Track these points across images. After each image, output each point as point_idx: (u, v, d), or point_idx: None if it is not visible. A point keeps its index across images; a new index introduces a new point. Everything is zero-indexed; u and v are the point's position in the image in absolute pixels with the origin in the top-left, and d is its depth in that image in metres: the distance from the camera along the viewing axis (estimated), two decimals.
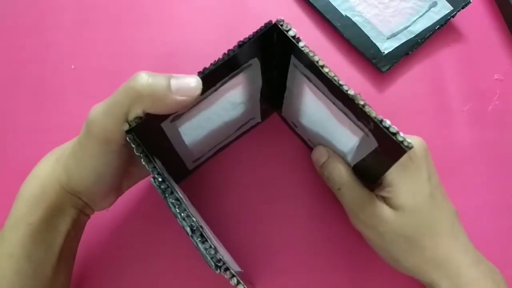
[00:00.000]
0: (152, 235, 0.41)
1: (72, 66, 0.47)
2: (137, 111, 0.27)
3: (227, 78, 0.31)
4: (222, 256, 0.25)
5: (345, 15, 0.47)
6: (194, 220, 0.25)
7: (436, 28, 0.46)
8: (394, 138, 0.26)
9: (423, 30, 0.46)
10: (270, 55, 0.33)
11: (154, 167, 0.27)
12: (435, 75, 0.47)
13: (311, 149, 0.42)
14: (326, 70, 0.28)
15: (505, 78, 0.47)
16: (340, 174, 0.36)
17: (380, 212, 0.34)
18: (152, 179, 0.26)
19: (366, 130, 0.29)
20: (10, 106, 0.46)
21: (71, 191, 0.32)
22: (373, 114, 0.27)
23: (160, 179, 0.26)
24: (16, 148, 0.44)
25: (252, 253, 0.41)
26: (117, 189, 0.35)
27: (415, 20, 0.47)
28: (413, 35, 0.46)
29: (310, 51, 0.29)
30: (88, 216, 0.36)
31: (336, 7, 0.47)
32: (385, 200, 0.34)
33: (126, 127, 0.27)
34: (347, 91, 0.28)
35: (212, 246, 0.25)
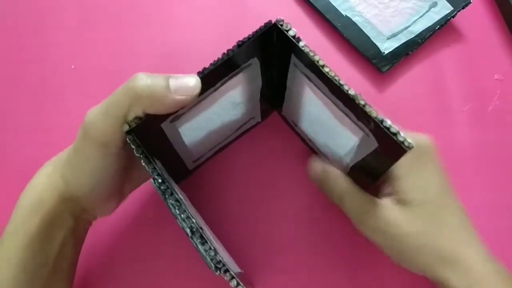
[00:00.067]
0: (152, 236, 0.41)
1: (72, 66, 0.47)
2: (136, 112, 0.27)
3: (226, 78, 0.31)
4: (222, 258, 0.25)
5: (345, 15, 0.47)
6: (194, 221, 0.25)
7: (436, 28, 0.46)
8: (395, 138, 0.26)
9: (423, 30, 0.46)
10: (270, 54, 0.33)
11: (154, 168, 0.26)
12: (435, 75, 0.47)
13: (311, 148, 0.42)
14: (326, 69, 0.28)
15: (505, 78, 0.47)
16: (340, 184, 0.36)
17: (386, 214, 0.33)
18: (152, 180, 0.26)
19: (367, 130, 0.29)
20: (10, 106, 0.46)
21: (69, 198, 0.31)
22: (373, 114, 0.27)
23: (160, 180, 0.26)
24: (16, 148, 0.44)
25: (252, 253, 0.41)
26: (119, 194, 0.35)
27: (415, 20, 0.47)
28: (413, 35, 0.46)
29: (310, 50, 0.29)
30: (90, 223, 0.36)
31: (336, 7, 0.47)
32: (392, 197, 0.34)
33: (126, 127, 0.27)
34: (347, 91, 0.27)
35: (212, 248, 0.25)
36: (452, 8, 0.46)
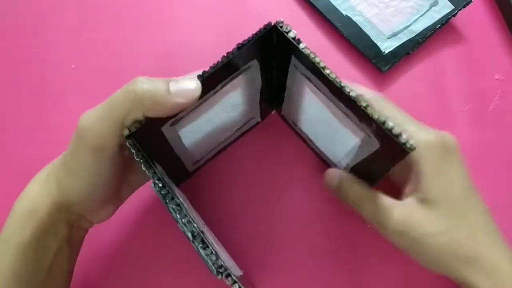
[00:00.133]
0: (153, 238, 0.41)
1: (72, 66, 0.47)
2: (136, 115, 0.27)
3: (226, 80, 0.31)
4: (223, 262, 0.25)
5: (346, 15, 0.47)
6: (195, 225, 0.25)
7: (437, 27, 0.46)
8: (397, 140, 0.26)
9: (424, 30, 0.46)
10: (269, 56, 0.33)
11: (155, 172, 0.26)
12: (435, 75, 0.47)
13: (311, 148, 0.42)
14: (327, 71, 0.28)
15: (505, 78, 0.46)
16: (357, 191, 0.35)
17: (409, 216, 0.33)
18: (152, 185, 0.26)
19: (368, 131, 0.29)
20: (10, 106, 0.46)
21: (64, 205, 0.31)
22: (375, 116, 0.27)
23: (160, 185, 0.26)
24: (16, 148, 0.44)
25: (253, 254, 0.41)
26: (116, 198, 0.34)
27: (415, 20, 0.46)
28: (413, 35, 0.46)
29: (311, 52, 0.28)
30: (86, 231, 0.35)
31: (337, 7, 0.47)
32: (415, 196, 0.33)
33: (126, 132, 0.27)
34: (349, 93, 0.27)
35: (214, 252, 0.25)
36: (453, 7, 0.46)
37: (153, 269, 0.40)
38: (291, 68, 0.33)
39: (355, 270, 0.41)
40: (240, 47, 0.28)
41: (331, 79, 0.28)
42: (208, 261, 0.25)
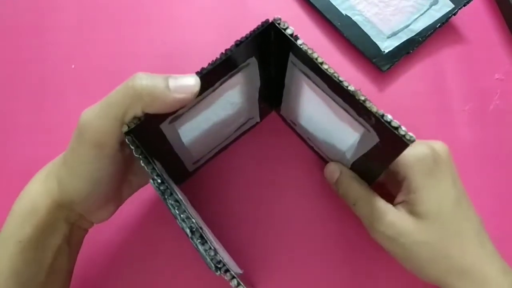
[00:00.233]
0: (152, 236, 0.41)
1: (72, 66, 0.47)
2: (135, 111, 0.27)
3: (225, 77, 0.31)
4: (222, 258, 0.25)
5: (345, 14, 0.47)
6: (194, 221, 0.25)
7: (437, 26, 0.46)
8: (396, 132, 0.26)
9: (424, 29, 0.46)
10: (268, 53, 0.33)
11: (153, 168, 0.26)
12: (435, 74, 0.47)
13: (310, 147, 0.42)
14: (325, 66, 0.28)
15: (505, 77, 0.46)
16: (355, 188, 0.36)
17: (400, 222, 0.33)
18: (151, 181, 0.26)
19: (367, 125, 0.29)
20: (10, 106, 0.46)
21: (64, 204, 0.31)
22: (374, 109, 0.27)
23: (159, 181, 0.26)
24: (16, 148, 0.44)
25: (253, 254, 0.41)
26: (116, 199, 0.34)
27: (415, 19, 0.46)
28: (413, 34, 0.46)
29: (308, 48, 0.29)
30: (86, 231, 0.35)
31: (336, 6, 0.47)
32: (407, 207, 0.33)
33: (125, 128, 0.27)
34: (347, 87, 0.27)
35: (212, 248, 0.25)
36: (453, 6, 0.46)
37: (152, 269, 0.40)
38: (289, 65, 0.33)
39: (355, 270, 0.40)
40: (238, 44, 0.28)
41: (330, 74, 0.28)
42: (207, 257, 0.24)
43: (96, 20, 0.49)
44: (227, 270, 0.25)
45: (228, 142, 0.43)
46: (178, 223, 0.25)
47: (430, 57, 0.47)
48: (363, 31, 0.46)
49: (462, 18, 0.48)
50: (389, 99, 0.46)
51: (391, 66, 0.45)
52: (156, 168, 0.26)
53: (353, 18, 0.46)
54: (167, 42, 0.48)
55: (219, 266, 0.25)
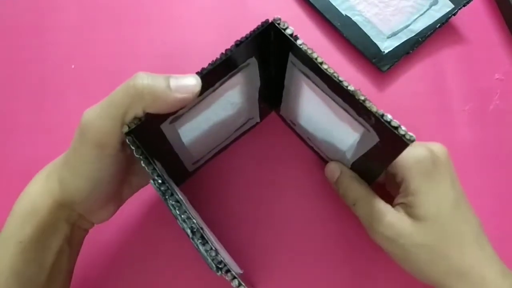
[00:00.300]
0: (153, 238, 0.41)
1: (72, 66, 0.47)
2: (136, 111, 0.27)
3: (225, 78, 0.31)
4: (223, 258, 0.25)
5: (345, 15, 0.47)
6: (195, 221, 0.25)
7: (437, 26, 0.46)
8: (396, 132, 0.26)
9: (423, 29, 0.46)
10: (267, 53, 0.33)
11: (154, 169, 0.26)
12: (435, 74, 0.47)
13: (310, 147, 0.42)
14: (325, 66, 0.28)
15: (505, 77, 0.46)
16: (355, 189, 0.35)
17: (399, 223, 0.33)
18: (152, 181, 0.26)
19: (367, 125, 0.29)
20: (10, 106, 0.46)
21: (65, 204, 0.31)
22: (374, 109, 0.27)
23: (160, 181, 0.26)
24: (16, 148, 0.44)
25: (253, 254, 0.41)
26: (117, 199, 0.34)
27: (415, 19, 0.46)
28: (413, 34, 0.46)
29: (308, 48, 0.29)
30: (86, 231, 0.35)
31: (336, 7, 0.47)
32: (406, 209, 0.33)
33: (126, 129, 0.27)
34: (347, 87, 0.28)
35: (213, 248, 0.25)
36: (453, 6, 0.46)
37: (153, 269, 0.40)
38: (289, 65, 0.33)
39: (355, 270, 0.40)
40: (238, 44, 0.28)
41: (329, 73, 0.28)
42: (208, 257, 0.24)
43: (96, 20, 0.49)
44: (228, 271, 0.25)
45: (228, 142, 0.43)
46: (179, 223, 0.25)
47: (430, 57, 0.47)
48: (363, 31, 0.46)
49: (462, 18, 0.48)
50: (389, 99, 0.46)
51: (391, 66, 0.45)
52: (157, 169, 0.27)
53: (353, 19, 0.46)
54: (167, 42, 0.48)
55: (220, 266, 0.25)
